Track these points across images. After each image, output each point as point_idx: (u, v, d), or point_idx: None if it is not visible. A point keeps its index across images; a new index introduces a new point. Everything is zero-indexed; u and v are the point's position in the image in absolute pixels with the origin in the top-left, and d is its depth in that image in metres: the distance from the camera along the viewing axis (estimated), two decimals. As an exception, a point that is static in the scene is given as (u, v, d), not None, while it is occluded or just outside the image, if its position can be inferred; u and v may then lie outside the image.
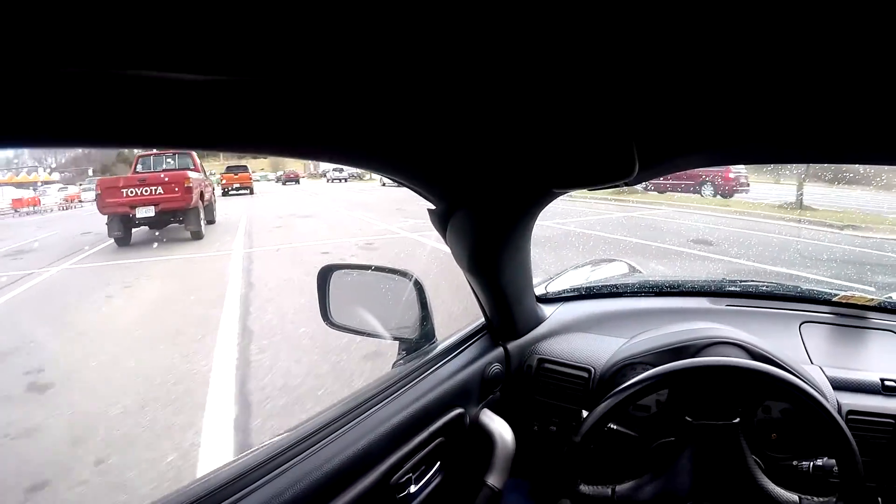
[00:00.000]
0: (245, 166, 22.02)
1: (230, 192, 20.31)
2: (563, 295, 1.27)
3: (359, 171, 25.63)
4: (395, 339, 1.03)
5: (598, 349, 1.06)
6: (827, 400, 0.94)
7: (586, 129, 0.59)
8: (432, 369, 0.94)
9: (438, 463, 0.92)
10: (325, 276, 1.04)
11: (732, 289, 1.33)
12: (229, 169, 21.99)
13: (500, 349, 1.04)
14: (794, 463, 0.92)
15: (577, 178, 0.67)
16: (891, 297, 1.28)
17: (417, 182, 0.73)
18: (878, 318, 1.28)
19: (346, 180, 28.66)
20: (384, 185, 20.66)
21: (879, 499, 1.08)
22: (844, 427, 0.79)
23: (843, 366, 1.13)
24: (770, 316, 1.26)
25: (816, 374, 1.07)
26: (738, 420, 0.93)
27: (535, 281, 1.09)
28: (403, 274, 1.01)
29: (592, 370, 1.02)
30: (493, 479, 0.97)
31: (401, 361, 1.02)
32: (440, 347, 1.00)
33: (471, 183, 0.74)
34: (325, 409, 0.81)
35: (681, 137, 0.65)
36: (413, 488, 0.86)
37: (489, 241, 0.82)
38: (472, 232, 0.81)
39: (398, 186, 0.78)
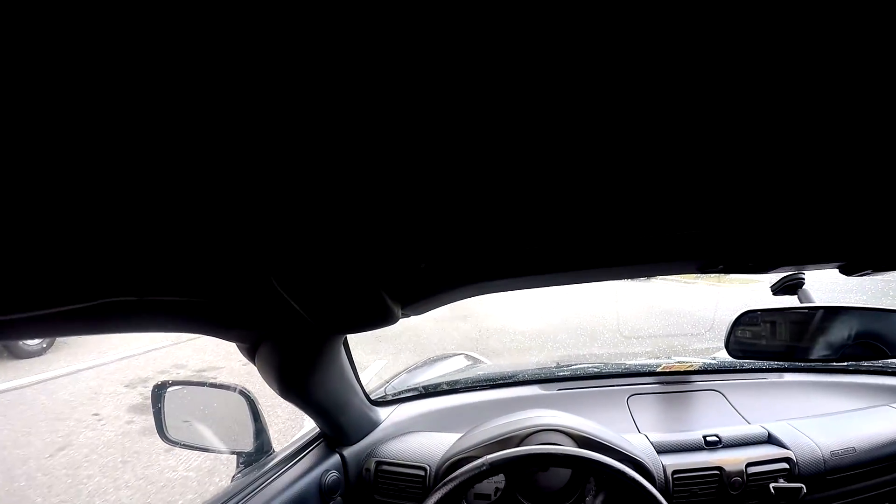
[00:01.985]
0: None
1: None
2: (401, 396, 1.29)
3: None
4: (233, 452, 1.02)
5: (433, 447, 1.08)
6: (644, 467, 1.01)
7: (336, 279, 0.61)
8: (267, 482, 0.93)
9: None
10: (158, 393, 1.03)
11: (563, 373, 1.40)
12: None
13: (337, 456, 1.05)
14: None
15: (345, 325, 0.69)
16: (710, 360, 1.39)
17: (214, 332, 0.73)
18: (701, 380, 1.38)
19: None
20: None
21: None
22: (653, 491, 0.85)
23: (669, 429, 1.21)
24: (599, 394, 1.33)
25: (641, 442, 1.15)
26: (573, 498, 0.99)
27: (376, 383, 1.12)
28: (233, 388, 1.01)
29: (428, 468, 1.04)
30: None
31: (238, 475, 1.01)
32: (276, 459, 0.99)
33: (266, 322, 0.74)
34: None
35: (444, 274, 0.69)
36: None
37: (296, 366, 0.83)
38: (279, 360, 0.81)
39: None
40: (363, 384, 1.06)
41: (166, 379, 1.05)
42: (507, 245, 0.56)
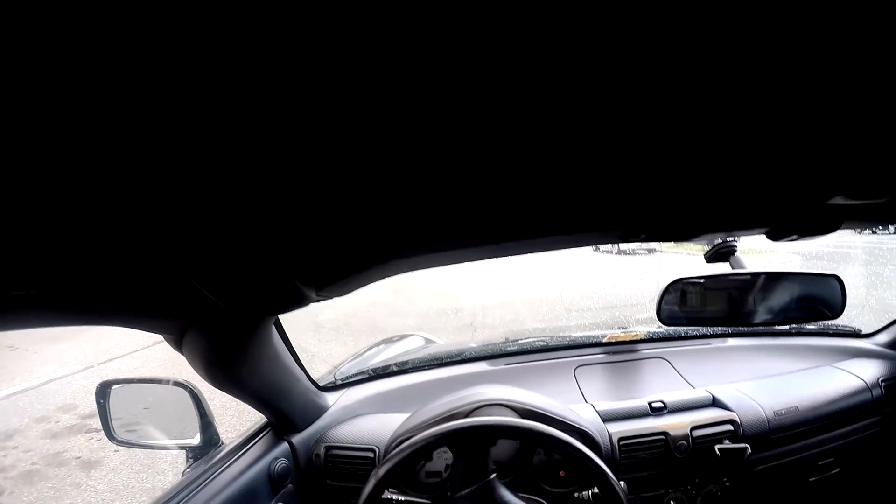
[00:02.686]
0: None
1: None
2: (350, 380, 1.30)
3: None
4: (181, 447, 1.02)
5: (382, 428, 1.10)
6: (589, 435, 1.02)
7: (245, 268, 0.61)
8: (215, 475, 0.93)
9: None
10: (103, 392, 1.02)
11: (510, 349, 1.42)
12: None
13: (285, 444, 1.05)
14: (576, 495, 0.99)
15: (260, 310, 0.69)
16: (656, 329, 1.42)
17: (135, 324, 0.70)
18: (646, 349, 1.41)
19: None
20: (597, 248, 17.39)
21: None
22: (593, 457, 0.85)
23: (616, 398, 1.24)
24: (546, 367, 1.36)
25: (587, 411, 1.17)
26: (517, 471, 1.01)
27: (324, 369, 1.12)
28: (178, 384, 1.01)
29: (377, 449, 1.06)
30: None
31: (188, 470, 1.01)
32: (224, 451, 1.00)
33: (186, 311, 0.72)
34: None
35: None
36: None
37: (224, 354, 0.81)
38: (204, 349, 0.79)
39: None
40: (307, 370, 1.06)
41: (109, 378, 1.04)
42: (416, 220, 0.54)
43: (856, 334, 1.61)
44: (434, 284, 8.52)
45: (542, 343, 1.46)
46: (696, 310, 1.17)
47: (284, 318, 0.92)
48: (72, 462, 2.89)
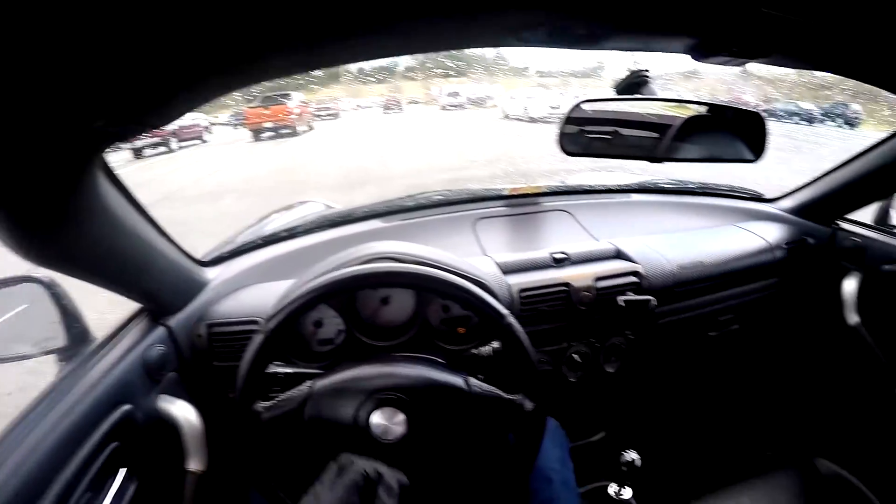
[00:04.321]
0: (284, 95, 15.47)
1: (265, 135, 14.83)
2: (231, 251, 1.21)
3: (480, 97, 22.05)
4: (46, 353, 0.91)
5: (267, 297, 1.00)
6: (486, 286, 0.98)
7: None
8: (82, 374, 0.82)
9: (124, 471, 0.81)
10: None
11: (406, 204, 1.36)
12: (264, 100, 15.12)
13: (161, 328, 0.96)
14: (474, 351, 0.95)
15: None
16: (559, 183, 1.42)
17: None
18: (549, 202, 1.40)
19: (463, 107, 22.36)
20: (507, 116, 17.03)
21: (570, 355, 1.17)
22: (490, 300, 0.75)
23: (517, 250, 1.20)
24: (445, 221, 1.31)
25: (486, 264, 1.13)
26: (413, 331, 0.96)
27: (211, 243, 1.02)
28: (27, 278, 0.88)
29: (262, 320, 0.98)
30: (194, 464, 0.90)
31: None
32: (93, 346, 0.89)
33: None
34: None
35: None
36: None
37: (41, 230, 0.61)
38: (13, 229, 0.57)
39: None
40: (176, 241, 0.95)
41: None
42: None
43: (759, 198, 1.67)
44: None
45: (440, 197, 1.40)
46: (602, 138, 1.05)
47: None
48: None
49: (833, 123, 13.49)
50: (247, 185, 8.32)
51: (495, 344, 0.96)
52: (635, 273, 1.18)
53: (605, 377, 1.23)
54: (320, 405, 0.75)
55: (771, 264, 1.38)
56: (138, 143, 13.98)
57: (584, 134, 1.07)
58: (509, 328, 0.74)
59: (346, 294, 0.94)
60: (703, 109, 1.07)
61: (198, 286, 1.05)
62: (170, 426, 0.89)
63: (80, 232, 0.68)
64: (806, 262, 1.44)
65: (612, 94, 1.01)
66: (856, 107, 12.87)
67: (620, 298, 1.14)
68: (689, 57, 0.63)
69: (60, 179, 0.58)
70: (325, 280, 0.77)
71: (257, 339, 0.76)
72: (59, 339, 0.90)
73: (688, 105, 1.10)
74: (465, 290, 0.75)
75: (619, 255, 1.24)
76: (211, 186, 8.80)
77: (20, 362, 0.90)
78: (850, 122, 12.93)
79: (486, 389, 0.76)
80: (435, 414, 0.75)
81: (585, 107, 1.07)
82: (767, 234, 1.43)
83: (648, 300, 1.15)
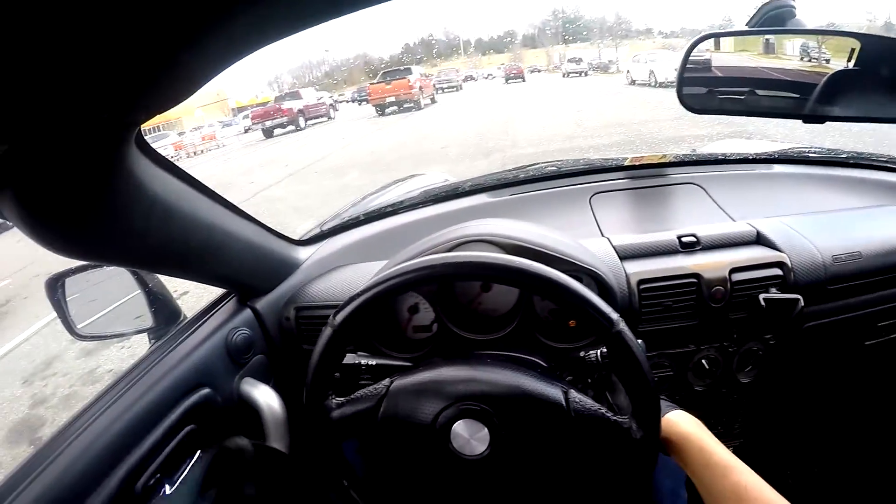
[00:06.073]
0: (405, 70, 15.86)
1: (388, 111, 15.47)
2: (329, 229, 1.14)
3: (603, 62, 23.45)
4: (138, 332, 0.92)
5: (359, 279, 0.93)
6: (598, 276, 0.81)
7: None
8: (165, 354, 0.81)
9: (199, 453, 0.80)
10: (53, 287, 0.92)
11: (515, 177, 1.21)
12: (384, 76, 15.63)
13: (248, 311, 0.91)
14: (582, 354, 0.77)
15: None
16: (688, 152, 1.16)
17: None
18: (677, 173, 1.17)
19: (585, 74, 23.48)
20: (633, 82, 16.66)
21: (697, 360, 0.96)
22: (593, 300, 0.58)
23: (638, 230, 1.01)
24: (558, 195, 1.15)
25: (601, 247, 0.95)
26: (512, 326, 0.82)
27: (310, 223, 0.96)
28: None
29: None
30: (277, 444, 0.86)
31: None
32: (179, 327, 0.87)
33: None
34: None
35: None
36: (168, 489, 0.74)
37: (76, 228, 0.54)
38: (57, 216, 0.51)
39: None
40: (260, 220, 0.88)
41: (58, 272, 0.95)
42: None
43: None
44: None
45: (553, 169, 1.23)
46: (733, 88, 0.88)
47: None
48: (105, 376, 2.98)
49: None
50: (371, 158, 8.57)
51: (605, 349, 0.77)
52: (780, 264, 0.93)
53: (738, 388, 1.02)
54: (397, 404, 0.65)
55: None
56: (267, 123, 15.36)
57: (712, 94, 0.92)
58: (620, 337, 0.57)
59: (420, 287, 0.83)
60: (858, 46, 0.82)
61: (289, 267, 1.00)
62: (251, 411, 0.85)
63: (125, 225, 0.60)
64: None
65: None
66: None
67: (762, 296, 0.91)
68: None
69: (85, 176, 0.50)
70: (396, 271, 0.63)
71: (325, 334, 0.66)
72: (153, 319, 0.90)
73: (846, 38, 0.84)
74: (562, 287, 0.57)
75: (759, 239, 0.99)
76: (337, 161, 9.12)
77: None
78: None
79: (589, 407, 0.60)
80: (524, 432, 0.60)
81: (707, 47, 0.89)
82: None
83: (797, 300, 0.90)
